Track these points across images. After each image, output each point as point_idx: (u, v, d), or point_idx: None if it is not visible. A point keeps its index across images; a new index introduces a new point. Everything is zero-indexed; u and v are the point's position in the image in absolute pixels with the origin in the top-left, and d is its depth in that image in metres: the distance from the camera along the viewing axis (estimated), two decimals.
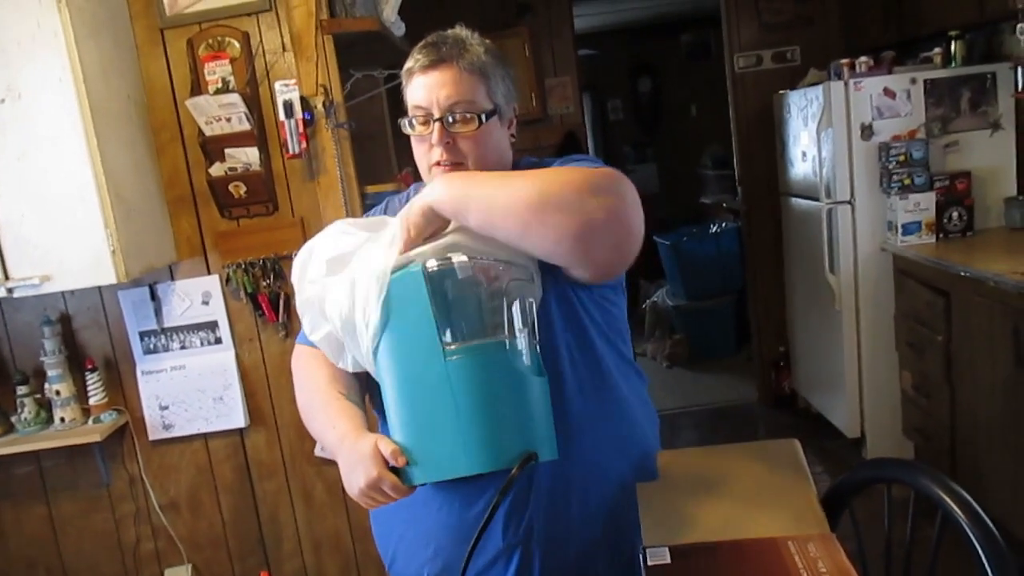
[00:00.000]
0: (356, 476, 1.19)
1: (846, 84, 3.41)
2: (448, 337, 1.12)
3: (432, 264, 1.15)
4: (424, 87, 1.29)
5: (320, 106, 2.39)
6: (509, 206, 1.15)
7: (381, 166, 3.00)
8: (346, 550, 2.77)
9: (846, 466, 3.58)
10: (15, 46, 2.16)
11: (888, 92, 3.38)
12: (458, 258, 1.16)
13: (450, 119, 1.29)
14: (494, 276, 1.16)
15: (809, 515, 1.25)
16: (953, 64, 3.40)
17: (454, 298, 1.14)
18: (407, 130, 1.34)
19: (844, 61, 3.52)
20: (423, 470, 1.15)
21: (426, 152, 1.33)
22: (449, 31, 1.34)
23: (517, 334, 1.14)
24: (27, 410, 2.60)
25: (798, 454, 1.35)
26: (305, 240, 2.55)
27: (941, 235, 3.31)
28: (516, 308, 1.14)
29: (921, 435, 3.33)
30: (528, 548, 1.29)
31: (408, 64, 1.32)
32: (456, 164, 1.31)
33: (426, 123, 1.31)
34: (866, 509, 1.39)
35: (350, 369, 1.32)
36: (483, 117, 1.30)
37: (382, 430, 1.48)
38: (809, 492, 1.28)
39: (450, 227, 1.24)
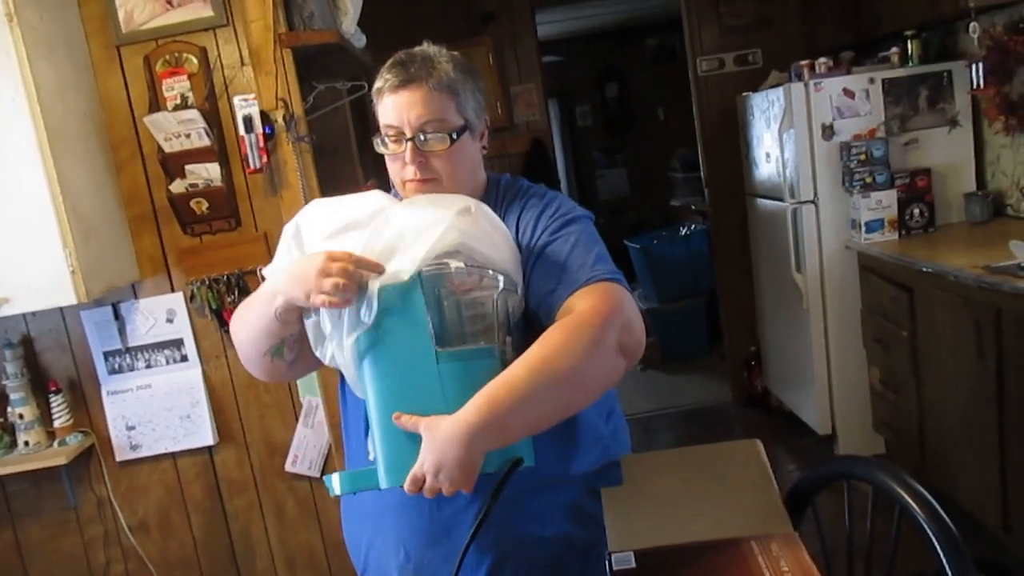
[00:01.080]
0: (309, 267, 1.16)
1: (806, 85, 3.44)
2: (440, 342, 1.13)
3: (429, 269, 1.14)
4: (394, 107, 1.31)
5: (280, 120, 2.37)
6: (547, 399, 1.14)
7: (346, 178, 2.99)
8: (320, 564, 2.75)
9: (818, 463, 3.62)
10: None
11: (847, 92, 3.43)
12: (455, 264, 1.16)
13: (421, 138, 1.30)
14: (486, 284, 1.17)
15: (773, 514, 1.26)
16: (910, 63, 3.45)
17: (448, 303, 1.15)
18: (380, 149, 1.35)
19: (804, 62, 3.56)
20: (397, 473, 1.13)
21: (400, 169, 1.35)
22: (417, 48, 1.35)
23: (504, 341, 1.15)
24: None
25: (760, 453, 1.36)
26: (269, 255, 2.54)
27: (903, 232, 3.36)
28: (503, 315, 1.15)
29: (891, 429, 3.37)
30: (498, 549, 1.29)
31: (377, 84, 1.33)
32: (429, 180, 1.33)
33: (398, 141, 1.32)
34: (833, 505, 1.41)
35: (326, 362, 1.28)
36: (454, 135, 1.32)
37: (349, 447, 1.48)
38: (772, 491, 1.29)
39: (443, 225, 1.23)
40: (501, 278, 1.19)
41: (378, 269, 1.15)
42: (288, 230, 1.32)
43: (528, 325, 1.28)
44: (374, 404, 1.15)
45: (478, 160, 1.41)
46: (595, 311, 1.18)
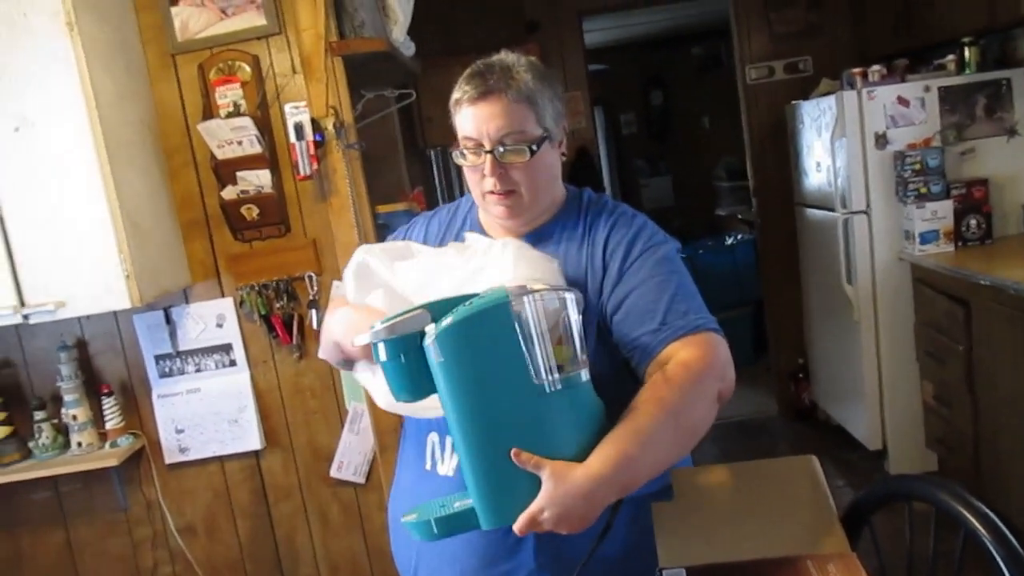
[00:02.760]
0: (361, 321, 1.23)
1: (859, 93, 3.38)
2: (536, 372, 1.08)
3: (514, 291, 1.10)
4: (473, 119, 1.30)
5: (331, 127, 2.39)
6: (668, 450, 1.16)
7: (392, 185, 3.01)
8: (363, 571, 2.76)
9: (868, 479, 3.54)
10: (27, 74, 2.18)
11: (902, 100, 3.36)
12: (538, 285, 1.13)
13: (501, 149, 1.30)
14: (568, 305, 1.14)
15: (829, 533, 1.23)
16: (967, 71, 3.37)
17: (534, 328, 1.09)
18: (459, 161, 1.35)
19: (856, 70, 3.50)
20: (502, 513, 1.10)
21: (479, 181, 1.35)
22: (495, 57, 1.34)
23: (587, 362, 1.13)
24: (44, 435, 2.60)
25: (816, 471, 1.33)
26: (318, 261, 2.57)
27: (959, 243, 3.28)
28: (582, 335, 1.13)
29: (944, 446, 3.28)
30: (559, 568, 1.28)
31: (456, 95, 1.33)
32: (509, 192, 1.33)
33: (477, 153, 1.32)
34: (887, 525, 1.37)
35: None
36: (534, 146, 1.31)
37: (404, 454, 1.48)
38: (828, 510, 1.26)
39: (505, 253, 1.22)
40: (576, 297, 1.16)
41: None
42: (357, 263, 1.35)
43: (600, 340, 1.27)
44: (466, 441, 1.09)
45: (557, 170, 1.40)
46: (703, 363, 1.19)
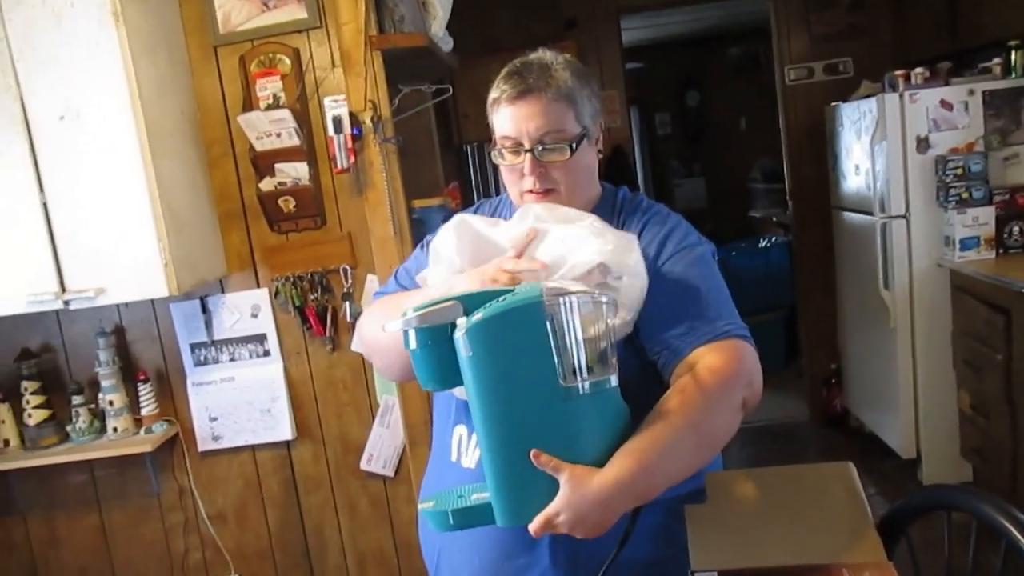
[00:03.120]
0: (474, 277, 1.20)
1: (901, 96, 3.33)
2: (565, 374, 1.06)
3: (550, 293, 1.08)
4: (512, 118, 1.30)
5: (368, 121, 2.40)
6: (687, 459, 1.15)
7: (428, 180, 3.02)
8: (390, 564, 2.77)
9: (900, 487, 3.50)
10: (74, 64, 2.22)
11: (945, 104, 3.30)
12: (576, 288, 1.11)
13: (540, 148, 1.29)
14: (604, 311, 1.12)
15: (865, 542, 1.21)
16: (1013, 74, 3.30)
17: (568, 331, 1.08)
18: (498, 160, 1.35)
19: (899, 72, 3.44)
20: (518, 512, 1.09)
21: (517, 180, 1.34)
22: (533, 56, 1.33)
23: (614, 370, 1.11)
24: (82, 420, 2.65)
25: (853, 478, 1.31)
26: (353, 255, 2.59)
27: (1001, 250, 3.22)
28: (614, 342, 1.12)
29: (979, 456, 3.23)
30: (573, 567, 1.28)
31: (494, 94, 1.32)
32: (548, 191, 1.32)
33: (516, 153, 1.31)
34: (923, 535, 1.35)
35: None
36: (574, 144, 1.30)
37: (435, 447, 1.48)
38: (865, 518, 1.24)
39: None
40: (611, 302, 1.14)
41: (541, 275, 1.15)
42: (445, 241, 1.32)
43: (627, 340, 1.25)
44: (488, 436, 1.09)
45: (595, 167, 1.39)
46: (728, 370, 1.17)
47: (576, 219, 1.26)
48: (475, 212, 1.52)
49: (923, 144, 3.33)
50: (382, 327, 1.17)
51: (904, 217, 3.41)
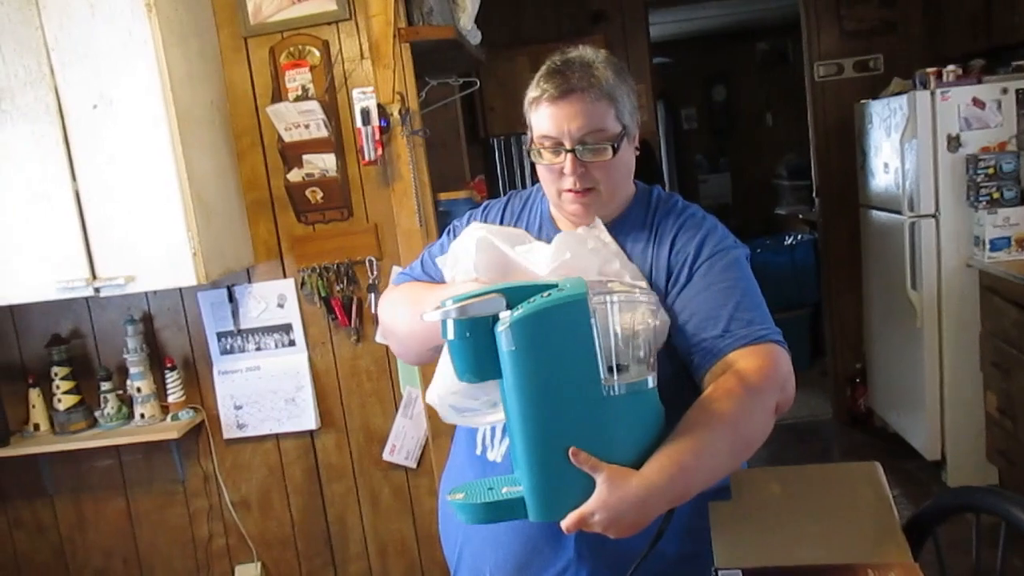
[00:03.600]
0: None
1: (932, 94, 3.29)
2: (607, 373, 1.07)
3: (595, 289, 1.08)
4: (552, 117, 1.29)
5: (396, 113, 2.41)
6: (723, 461, 1.16)
7: (454, 173, 3.03)
8: (411, 554, 2.79)
9: (924, 489, 3.47)
10: (107, 54, 2.24)
11: (977, 102, 3.26)
12: (620, 287, 1.12)
13: (582, 148, 1.29)
14: (647, 309, 1.13)
15: (891, 542, 1.20)
16: None
17: (611, 329, 1.09)
18: (536, 159, 1.34)
19: (931, 70, 3.40)
20: (552, 508, 1.09)
21: (556, 179, 1.33)
22: (573, 54, 1.32)
23: (653, 370, 1.11)
24: (110, 405, 2.69)
25: (880, 478, 1.30)
26: (379, 246, 2.60)
27: None
28: (656, 342, 1.12)
29: (1006, 459, 3.19)
30: (598, 561, 1.28)
31: (534, 93, 1.31)
32: (588, 191, 1.32)
33: (556, 152, 1.30)
34: (950, 536, 1.34)
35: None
36: (615, 144, 1.30)
37: (460, 440, 1.49)
38: (891, 518, 1.23)
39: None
40: (654, 302, 1.14)
41: None
42: (465, 250, 1.32)
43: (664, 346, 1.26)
44: (525, 432, 1.08)
45: (632, 166, 1.38)
46: (763, 374, 1.18)
47: (608, 262, 1.27)
48: (507, 205, 1.52)
49: (954, 143, 3.29)
50: (420, 316, 1.17)
51: (933, 216, 3.37)
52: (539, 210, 1.47)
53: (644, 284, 1.26)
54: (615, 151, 1.29)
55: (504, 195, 1.57)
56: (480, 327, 1.08)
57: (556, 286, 1.09)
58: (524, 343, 1.05)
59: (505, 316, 1.07)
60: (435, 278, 1.48)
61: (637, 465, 1.08)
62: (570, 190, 1.32)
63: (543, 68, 1.32)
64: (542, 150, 1.32)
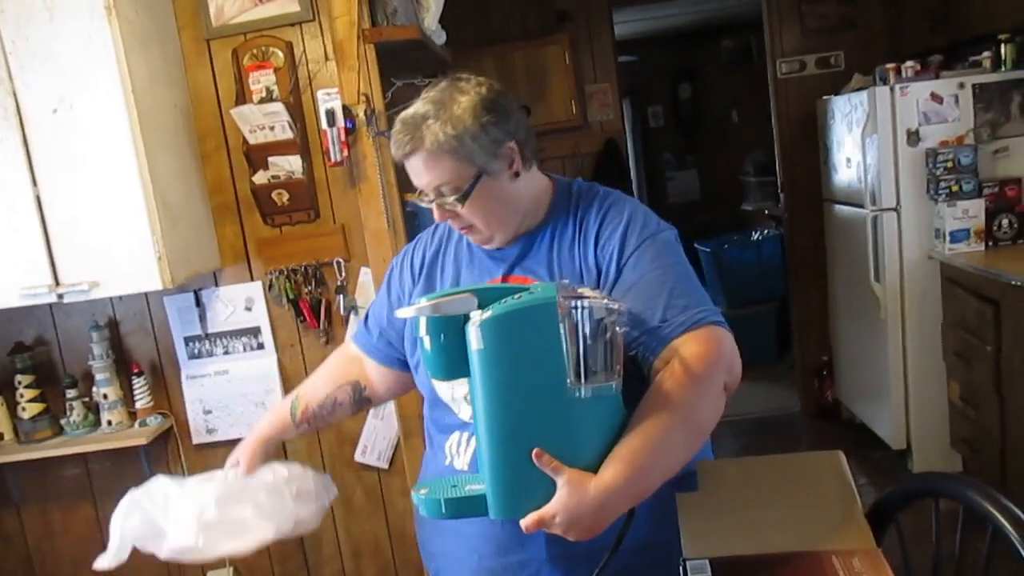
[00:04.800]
0: None
1: (892, 89, 3.35)
2: (573, 376, 1.09)
3: (564, 294, 1.10)
4: (409, 172, 1.33)
5: (362, 114, 2.40)
6: (679, 453, 1.18)
7: None
8: (384, 555, 2.79)
9: (891, 478, 3.52)
10: (67, 57, 2.22)
11: (935, 97, 3.32)
12: (590, 292, 1.14)
13: (441, 198, 1.32)
14: (612, 319, 1.13)
15: (854, 529, 1.23)
16: (1003, 68, 3.32)
17: (583, 337, 1.10)
18: (420, 205, 1.38)
19: (890, 66, 3.46)
20: (512, 507, 1.11)
21: (438, 219, 1.38)
22: (408, 112, 1.32)
23: (618, 376, 1.13)
24: (76, 413, 2.65)
25: (843, 466, 1.32)
26: (347, 247, 2.59)
27: (991, 243, 3.25)
28: (622, 349, 1.13)
29: (969, 447, 3.25)
30: (571, 559, 1.29)
31: (391, 151, 1.35)
32: (467, 228, 1.36)
33: (428, 198, 1.35)
34: (912, 523, 1.37)
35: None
36: (468, 187, 1.30)
37: (430, 454, 1.50)
38: (854, 506, 1.26)
39: None
40: (622, 310, 1.15)
41: None
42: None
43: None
44: (490, 431, 1.10)
45: (513, 190, 1.36)
46: (707, 359, 1.19)
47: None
48: (433, 232, 1.54)
49: (913, 137, 3.35)
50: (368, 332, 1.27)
51: (895, 210, 3.43)
52: (452, 239, 1.50)
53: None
54: (464, 200, 1.30)
55: (415, 239, 1.59)
56: (452, 325, 1.11)
57: (528, 289, 1.12)
58: (493, 343, 1.08)
59: (476, 316, 1.09)
60: (373, 334, 1.58)
61: (599, 468, 1.10)
62: (456, 229, 1.39)
63: (393, 125, 1.34)
64: (419, 196, 1.36)
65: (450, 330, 1.12)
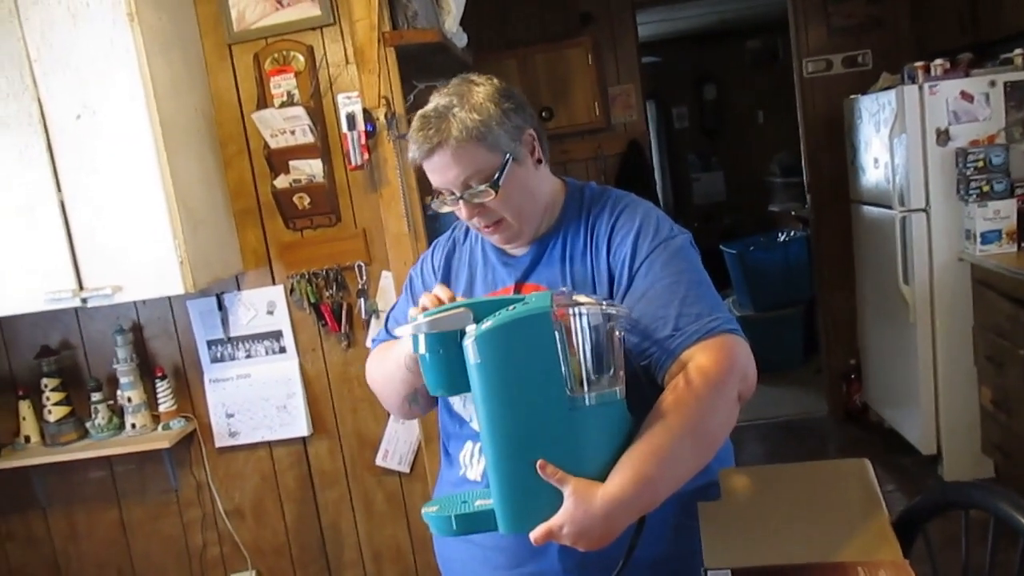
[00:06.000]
0: None
1: (920, 88, 3.29)
2: (575, 385, 1.08)
3: (559, 303, 1.09)
4: (432, 173, 1.31)
5: (382, 118, 2.40)
6: (688, 462, 1.15)
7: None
8: (406, 560, 2.78)
9: (920, 484, 3.46)
10: (90, 64, 2.23)
11: (965, 95, 3.26)
12: (585, 299, 1.12)
13: (468, 193, 1.30)
14: (611, 325, 1.12)
15: (881, 539, 1.20)
16: None
17: (580, 344, 1.09)
18: (440, 208, 1.36)
19: (919, 64, 3.40)
20: (520, 521, 1.10)
21: (467, 220, 1.35)
22: (430, 106, 1.31)
23: (621, 382, 1.11)
24: (101, 416, 2.67)
25: (869, 474, 1.30)
26: (367, 251, 2.60)
27: (1023, 244, 3.17)
28: (623, 354, 1.12)
29: (1001, 452, 3.19)
30: (585, 569, 1.27)
31: (410, 154, 1.33)
32: (495, 223, 1.33)
33: (452, 198, 1.32)
34: (942, 532, 1.33)
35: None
36: (498, 176, 1.29)
37: (444, 464, 1.49)
38: (880, 515, 1.23)
39: None
40: (622, 315, 1.14)
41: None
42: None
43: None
44: (494, 444, 1.09)
45: (537, 179, 1.36)
46: (720, 368, 1.17)
47: None
48: (450, 236, 1.53)
49: (943, 136, 3.29)
50: (388, 334, 1.21)
51: (924, 211, 3.37)
52: (466, 241, 1.50)
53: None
54: (497, 187, 1.29)
55: (431, 244, 1.58)
56: (449, 341, 1.11)
57: (523, 300, 1.11)
58: (489, 355, 1.07)
59: (471, 330, 1.09)
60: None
61: (607, 477, 1.08)
62: (480, 228, 1.35)
63: (412, 125, 1.32)
64: (440, 199, 1.33)
65: (448, 346, 1.11)
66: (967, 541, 1.25)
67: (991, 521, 1.17)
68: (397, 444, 2.68)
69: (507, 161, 1.30)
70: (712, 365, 1.16)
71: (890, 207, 3.52)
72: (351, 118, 2.42)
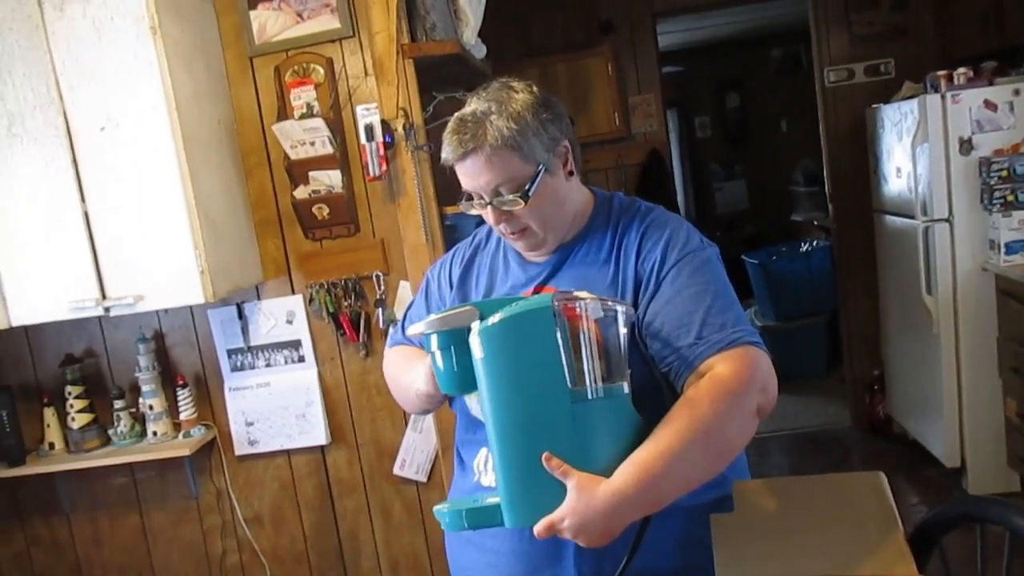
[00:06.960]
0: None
1: (943, 97, 3.27)
2: (577, 379, 1.09)
3: (560, 300, 1.11)
4: (464, 176, 1.32)
5: (400, 129, 2.42)
6: (697, 468, 1.15)
7: (459, 187, 3.02)
8: (424, 569, 2.78)
9: (945, 497, 3.42)
10: (114, 77, 2.27)
11: (989, 104, 3.23)
12: (587, 295, 1.14)
13: (498, 199, 1.30)
14: (617, 319, 1.14)
15: (895, 554, 1.18)
16: None
17: (579, 338, 1.11)
18: (468, 211, 1.37)
19: (941, 73, 3.37)
20: (525, 514, 1.11)
21: (494, 224, 1.36)
22: (468, 109, 1.32)
23: (628, 376, 1.13)
24: (123, 423, 2.71)
25: (883, 487, 1.28)
26: (386, 261, 2.61)
27: None
28: (626, 350, 1.13)
29: None
30: None
31: (443, 155, 1.33)
32: (521, 231, 1.34)
33: (482, 203, 1.33)
34: (958, 546, 1.32)
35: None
36: (528, 186, 1.29)
37: (459, 473, 1.50)
38: (895, 529, 1.22)
39: None
40: (625, 310, 1.15)
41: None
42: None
43: (636, 352, 1.25)
44: (499, 438, 1.11)
45: (567, 190, 1.37)
46: (740, 378, 1.16)
47: None
48: (472, 242, 1.54)
49: (966, 145, 3.26)
50: (404, 335, 1.24)
51: (947, 220, 3.34)
52: (488, 246, 1.51)
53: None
54: (527, 197, 1.29)
55: (452, 249, 1.59)
56: (458, 339, 1.15)
57: (525, 298, 1.15)
58: (492, 350, 1.10)
59: (475, 325, 1.12)
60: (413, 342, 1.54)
61: (611, 473, 1.09)
62: (506, 234, 1.37)
63: (447, 127, 1.32)
64: (471, 203, 1.34)
65: (458, 343, 1.15)
66: (983, 556, 1.23)
67: (1007, 536, 1.16)
68: (414, 454, 2.69)
69: (539, 172, 1.30)
70: (731, 374, 1.16)
71: (913, 217, 3.48)
72: (370, 129, 2.43)
